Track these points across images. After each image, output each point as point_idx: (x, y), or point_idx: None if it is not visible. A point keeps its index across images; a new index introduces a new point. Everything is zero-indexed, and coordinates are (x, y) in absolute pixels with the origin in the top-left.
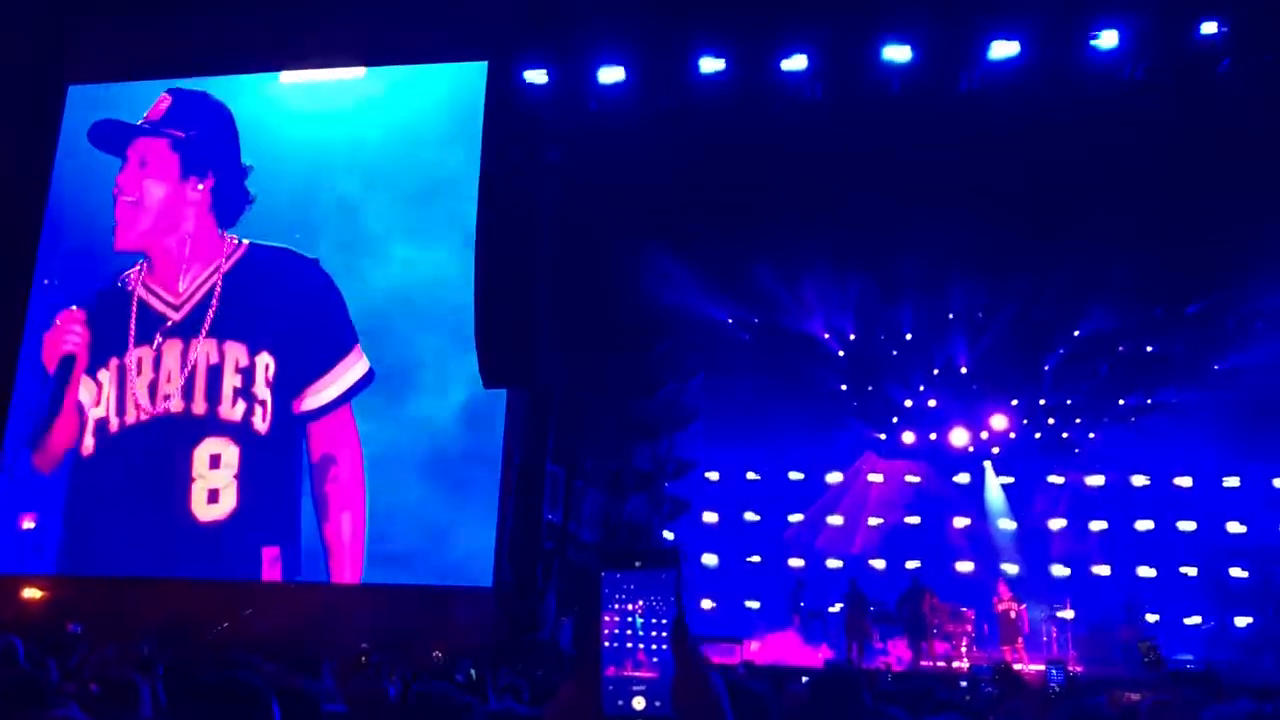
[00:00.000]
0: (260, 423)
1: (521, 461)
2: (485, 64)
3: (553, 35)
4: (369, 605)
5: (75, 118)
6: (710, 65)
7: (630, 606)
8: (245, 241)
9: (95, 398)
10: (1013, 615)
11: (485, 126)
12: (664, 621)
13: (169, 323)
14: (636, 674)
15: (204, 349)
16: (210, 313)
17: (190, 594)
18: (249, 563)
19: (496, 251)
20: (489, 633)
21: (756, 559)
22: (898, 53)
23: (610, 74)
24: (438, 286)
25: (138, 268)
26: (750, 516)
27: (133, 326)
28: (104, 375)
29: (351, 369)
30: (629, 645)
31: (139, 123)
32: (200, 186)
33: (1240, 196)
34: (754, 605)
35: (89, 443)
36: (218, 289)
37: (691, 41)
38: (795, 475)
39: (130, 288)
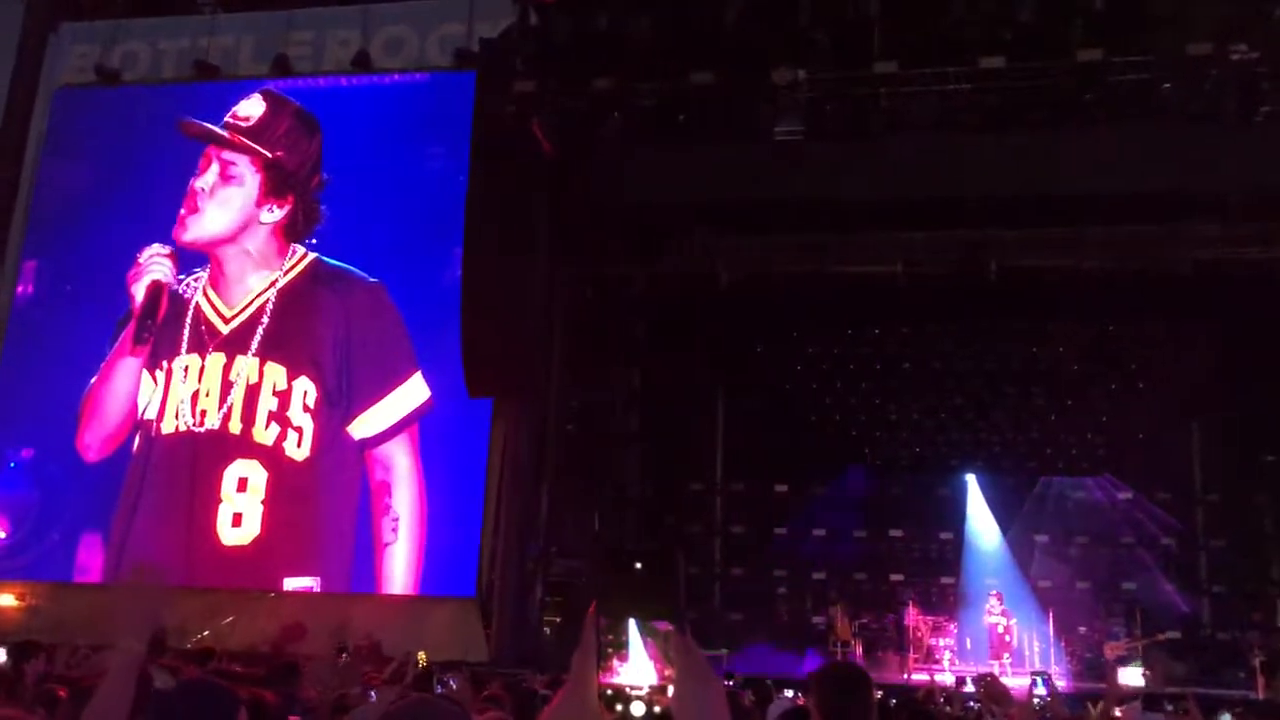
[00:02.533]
0: (295, 449)
1: (510, 471)
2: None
3: (543, 46)
4: (352, 613)
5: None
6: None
7: (628, 610)
8: (310, 256)
9: (147, 396)
10: (1001, 629)
11: (474, 135)
12: (664, 624)
13: (217, 335)
14: (633, 679)
15: (246, 366)
16: (259, 329)
17: (178, 601)
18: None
19: (484, 258)
20: (473, 642)
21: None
22: None
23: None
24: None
25: (202, 272)
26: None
27: (185, 332)
28: (158, 375)
29: (408, 396)
30: (625, 650)
31: (226, 120)
32: (277, 210)
33: None
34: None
35: (137, 441)
36: (270, 305)
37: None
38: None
39: (189, 293)
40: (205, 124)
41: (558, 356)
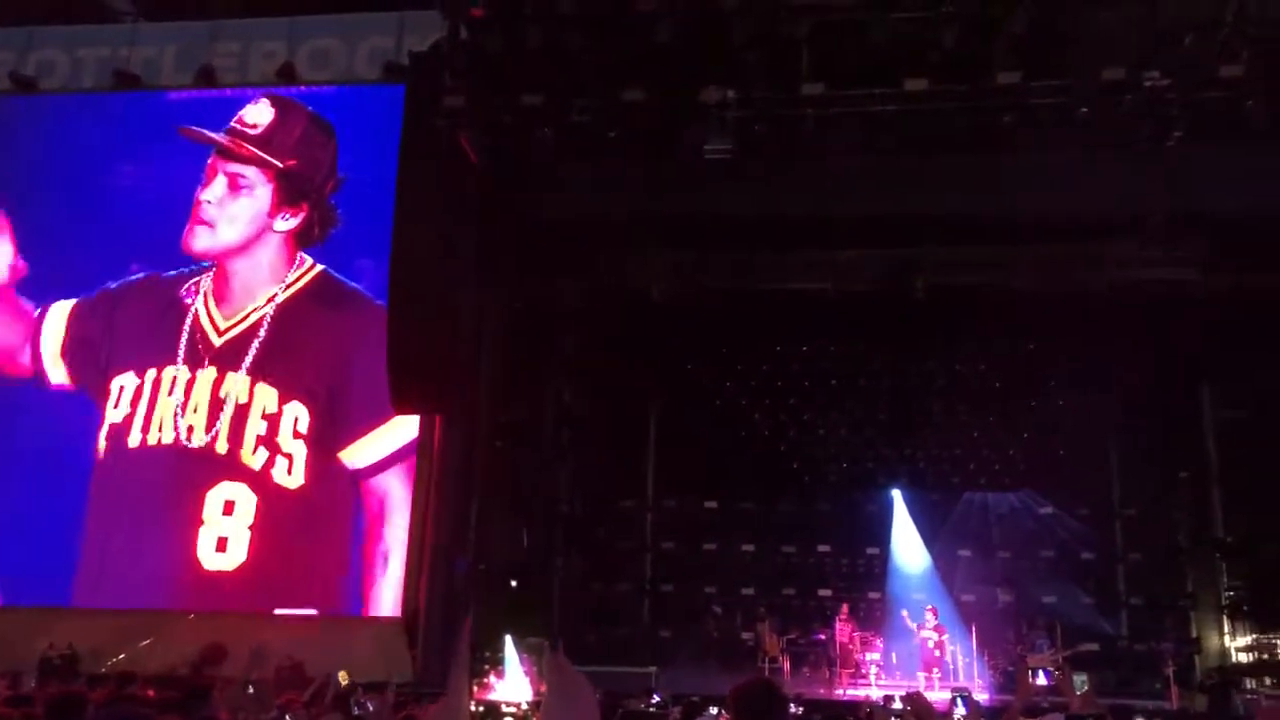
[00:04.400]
0: (285, 476)
1: (438, 489)
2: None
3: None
4: (274, 634)
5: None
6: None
7: (504, 631)
8: (317, 269)
9: (116, 399)
10: (933, 644)
11: (402, 148)
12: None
13: (211, 348)
14: (509, 696)
15: (237, 385)
16: (253, 345)
17: (91, 623)
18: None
19: (411, 272)
20: (398, 662)
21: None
22: None
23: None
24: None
25: (204, 279)
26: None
27: (182, 340)
28: (145, 378)
29: (405, 426)
30: (501, 667)
31: (231, 127)
32: (291, 218)
33: None
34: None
35: (101, 447)
36: (268, 320)
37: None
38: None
39: (190, 299)
40: (211, 134)
41: (487, 372)
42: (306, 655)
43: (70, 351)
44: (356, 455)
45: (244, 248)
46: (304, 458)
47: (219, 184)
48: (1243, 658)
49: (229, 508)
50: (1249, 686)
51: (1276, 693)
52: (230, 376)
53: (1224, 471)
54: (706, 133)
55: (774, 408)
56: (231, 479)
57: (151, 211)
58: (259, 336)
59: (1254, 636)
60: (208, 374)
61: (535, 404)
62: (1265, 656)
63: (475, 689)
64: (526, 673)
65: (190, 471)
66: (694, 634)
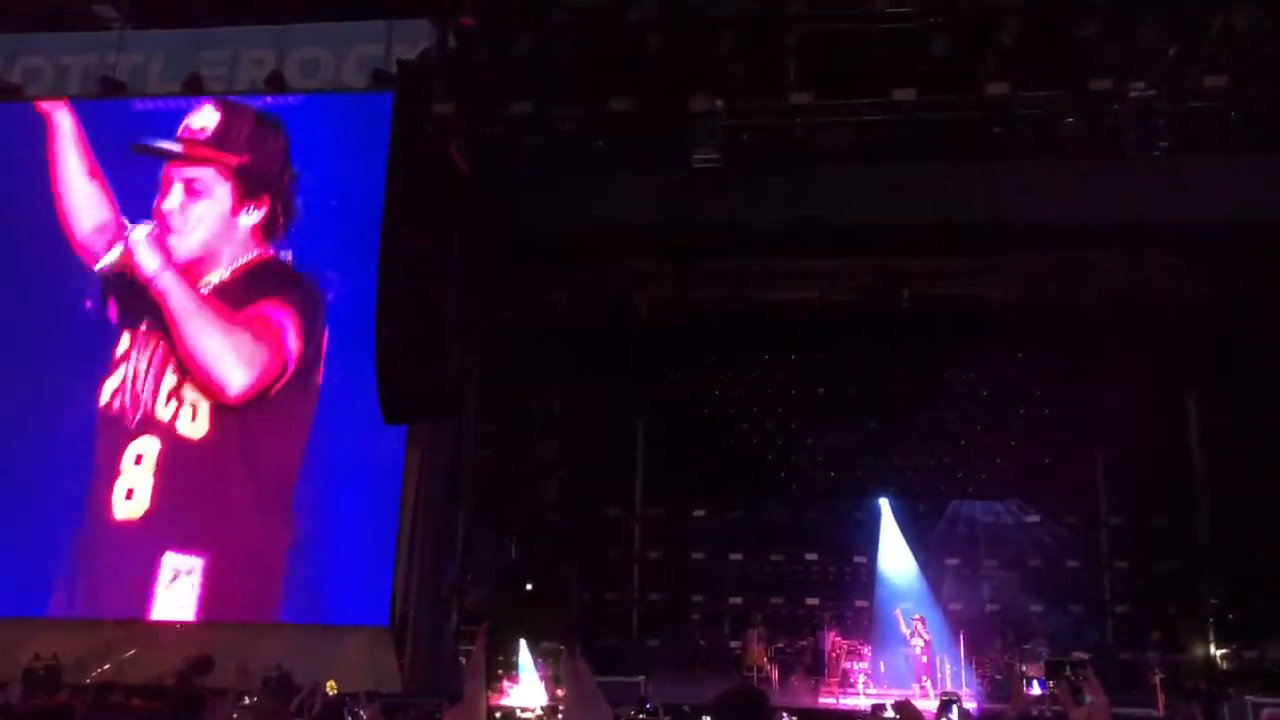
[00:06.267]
0: (189, 424)
1: (425, 498)
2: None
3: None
4: (262, 643)
5: None
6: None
7: (520, 640)
8: (270, 254)
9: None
10: (919, 652)
11: (390, 157)
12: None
13: (160, 324)
14: (524, 701)
15: (163, 348)
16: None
17: (76, 634)
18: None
19: (400, 282)
20: (386, 672)
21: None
22: None
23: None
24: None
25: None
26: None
27: (145, 317)
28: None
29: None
30: (516, 672)
31: (180, 136)
32: (255, 211)
33: None
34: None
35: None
36: (207, 289)
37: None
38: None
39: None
40: (159, 144)
41: (475, 382)
42: (294, 665)
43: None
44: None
45: (218, 249)
46: (208, 407)
47: (176, 191)
48: (1229, 666)
49: (139, 460)
50: (1235, 695)
51: (1264, 700)
52: (163, 344)
53: (1210, 481)
54: (695, 142)
55: (761, 417)
56: (147, 434)
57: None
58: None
59: (1240, 644)
60: (150, 348)
61: (522, 413)
62: (1251, 664)
63: (490, 695)
64: (542, 678)
65: (123, 431)
66: (682, 643)
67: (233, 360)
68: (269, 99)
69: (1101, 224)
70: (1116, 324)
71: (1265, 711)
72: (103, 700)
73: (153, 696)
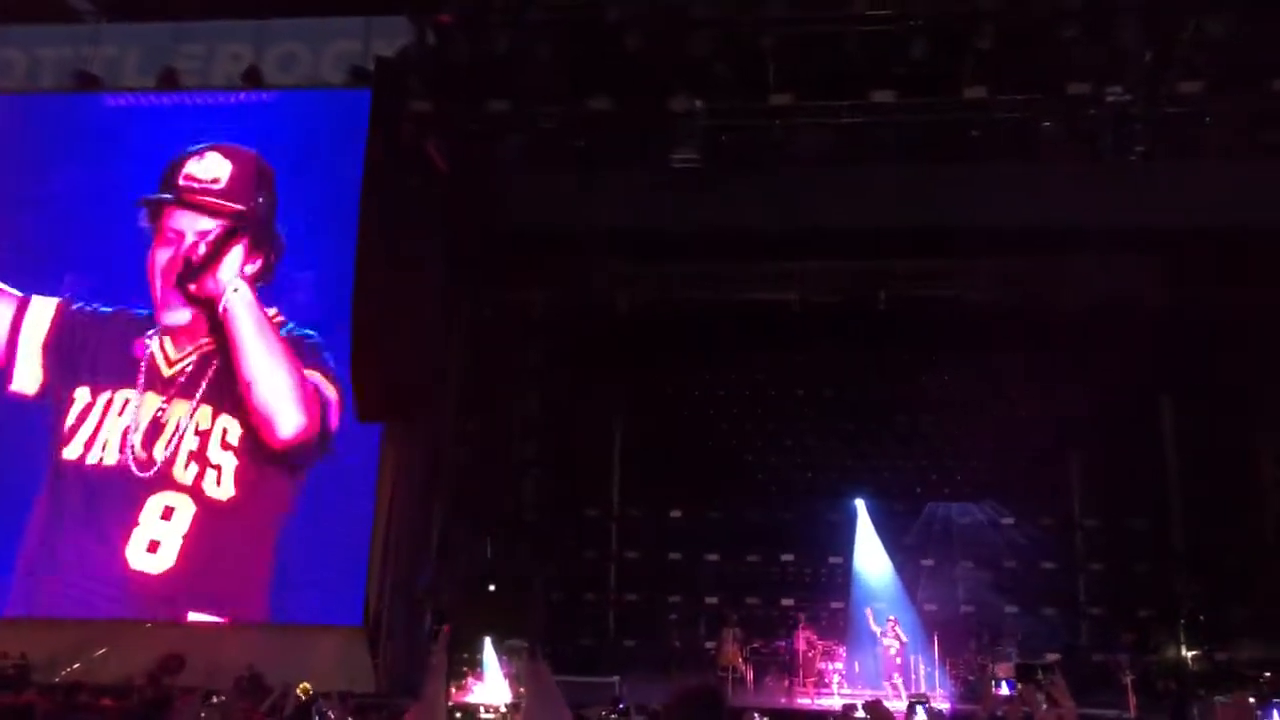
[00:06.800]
0: (214, 487)
1: (400, 497)
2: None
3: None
4: (234, 643)
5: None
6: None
7: (485, 637)
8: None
9: (77, 413)
10: (894, 651)
11: (368, 154)
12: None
13: (159, 377)
14: (487, 699)
15: (178, 408)
16: (200, 373)
17: (47, 633)
18: None
19: (376, 279)
20: (360, 672)
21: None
22: None
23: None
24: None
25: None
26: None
27: (142, 371)
28: (99, 399)
29: None
30: (480, 669)
31: (187, 185)
32: (253, 267)
33: None
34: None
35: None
36: (208, 351)
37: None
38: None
39: (141, 335)
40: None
41: (452, 381)
42: (266, 665)
43: (50, 351)
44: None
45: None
46: (233, 468)
47: (182, 250)
48: (1200, 667)
49: (168, 513)
50: (1205, 695)
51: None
52: (176, 402)
53: (1183, 483)
54: (674, 142)
55: (739, 417)
56: (169, 489)
57: (87, 221)
58: (206, 366)
59: (1211, 646)
60: (154, 399)
61: (500, 413)
62: (1222, 666)
63: (454, 691)
64: (506, 675)
65: (128, 488)
66: (658, 643)
67: (289, 399)
68: (243, 94)
69: (1078, 227)
70: (1092, 326)
71: (1217, 700)
72: (70, 700)
73: (122, 696)
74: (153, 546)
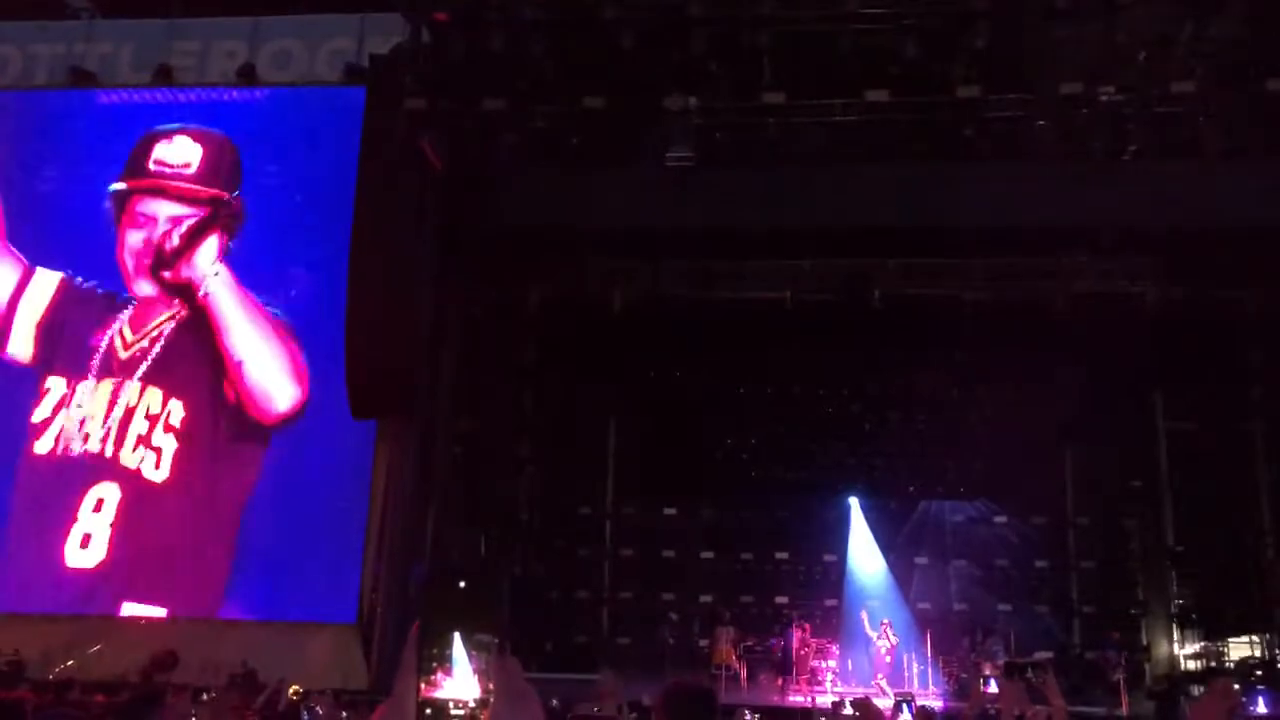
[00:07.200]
0: (152, 470)
1: (394, 494)
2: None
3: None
4: (227, 640)
5: None
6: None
7: (457, 632)
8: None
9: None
10: (885, 650)
11: (362, 151)
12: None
13: (116, 360)
14: (456, 694)
15: (129, 391)
16: (150, 355)
17: (41, 629)
18: None
19: (370, 276)
20: (353, 669)
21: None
22: None
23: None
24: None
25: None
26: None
27: (96, 356)
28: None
29: None
30: (450, 665)
31: (159, 170)
32: (229, 246)
33: None
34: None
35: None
36: (165, 333)
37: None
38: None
39: (112, 323)
40: (166, 180)
41: (446, 378)
42: (260, 662)
43: (44, 330)
44: None
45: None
46: (172, 451)
47: (156, 238)
48: (1191, 665)
49: (99, 505)
50: (1196, 693)
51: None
52: (126, 385)
53: (1175, 481)
54: (668, 140)
55: (733, 415)
56: (109, 479)
57: (72, 214)
58: (156, 348)
59: (1202, 644)
60: (107, 385)
61: (494, 410)
62: (1213, 664)
63: (423, 687)
64: (475, 670)
65: (79, 476)
66: (652, 641)
67: (282, 373)
68: (237, 91)
69: (1071, 226)
70: (1084, 325)
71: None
72: (63, 696)
73: (115, 692)
74: (85, 541)
